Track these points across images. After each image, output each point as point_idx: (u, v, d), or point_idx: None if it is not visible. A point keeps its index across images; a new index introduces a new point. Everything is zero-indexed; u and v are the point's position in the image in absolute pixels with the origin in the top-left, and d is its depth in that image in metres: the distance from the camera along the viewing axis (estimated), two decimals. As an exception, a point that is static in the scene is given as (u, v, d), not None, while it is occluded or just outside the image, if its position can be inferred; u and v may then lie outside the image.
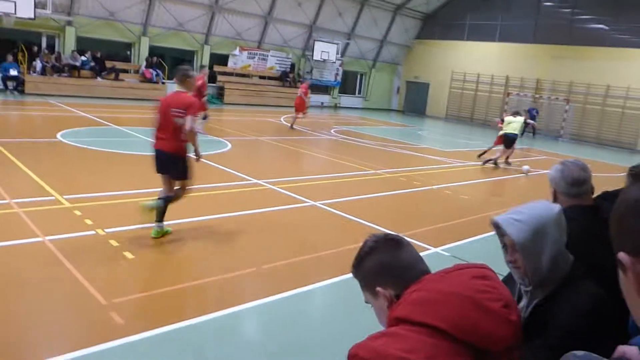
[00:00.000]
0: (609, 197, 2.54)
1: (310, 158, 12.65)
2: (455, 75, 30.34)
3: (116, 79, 21.01)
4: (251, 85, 25.70)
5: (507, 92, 28.04)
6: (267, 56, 26.38)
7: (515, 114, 13.93)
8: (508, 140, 13.19)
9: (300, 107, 17.32)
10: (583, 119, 25.60)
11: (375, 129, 20.29)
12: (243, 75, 25.92)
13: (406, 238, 1.51)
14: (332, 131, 17.30)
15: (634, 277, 0.69)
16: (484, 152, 14.36)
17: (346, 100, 31.32)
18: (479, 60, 29.17)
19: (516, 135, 13.26)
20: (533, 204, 1.83)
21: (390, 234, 1.52)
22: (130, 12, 21.22)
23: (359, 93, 32.77)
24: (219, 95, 24.55)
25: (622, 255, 0.70)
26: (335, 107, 30.21)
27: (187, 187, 5.70)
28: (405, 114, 31.74)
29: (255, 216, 6.85)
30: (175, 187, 5.68)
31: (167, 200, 5.53)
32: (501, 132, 13.44)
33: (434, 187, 9.95)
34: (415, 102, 32.19)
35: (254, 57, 25.91)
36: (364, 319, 1.69)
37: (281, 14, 25.63)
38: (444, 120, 30.26)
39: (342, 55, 29.47)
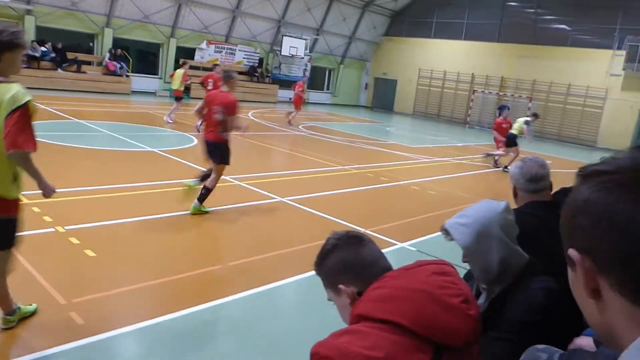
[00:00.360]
0: (568, 193, 2.62)
1: (278, 154, 12.60)
2: (422, 73, 30.71)
3: (78, 71, 20.43)
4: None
5: (473, 89, 28.58)
6: (235, 50, 26.11)
7: (534, 115, 14.42)
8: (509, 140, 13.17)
9: (298, 103, 18.15)
10: (545, 117, 26.28)
11: (344, 125, 20.38)
12: (210, 70, 25.53)
13: (368, 235, 1.51)
14: (300, 127, 17.27)
15: (582, 273, 0.70)
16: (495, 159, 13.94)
17: (315, 96, 31.31)
18: (445, 58, 29.60)
19: (514, 134, 13.13)
20: (477, 206, 1.86)
21: (352, 231, 1.52)
22: (93, 3, 20.64)
23: (328, 89, 32.82)
24: (186, 90, 24.08)
25: (572, 252, 0.71)
26: (304, 102, 30.12)
27: (222, 171, 6.62)
28: (373, 110, 31.95)
29: (222, 212, 6.77)
30: (212, 170, 6.58)
31: (203, 179, 6.54)
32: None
33: (400, 182, 10.05)
34: (383, 98, 32.44)
35: (222, 51, 25.61)
36: (331, 315, 1.68)
37: (250, 8, 25.40)
38: (412, 116, 30.60)
39: (311, 50, 29.44)
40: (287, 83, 28.44)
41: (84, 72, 20.60)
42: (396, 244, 6.18)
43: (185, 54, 24.56)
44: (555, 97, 26.10)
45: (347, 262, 1.44)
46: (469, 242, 1.76)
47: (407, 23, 31.87)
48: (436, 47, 30.10)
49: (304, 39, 28.14)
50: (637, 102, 23.64)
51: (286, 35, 27.33)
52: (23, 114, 3.01)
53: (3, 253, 3.25)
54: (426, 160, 13.70)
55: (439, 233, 6.65)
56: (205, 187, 6.41)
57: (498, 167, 13.45)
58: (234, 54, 26.11)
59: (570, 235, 0.73)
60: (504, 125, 13.66)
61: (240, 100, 25.62)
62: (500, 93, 27.78)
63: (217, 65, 16.51)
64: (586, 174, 0.72)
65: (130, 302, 4.19)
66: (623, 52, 23.45)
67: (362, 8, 30.53)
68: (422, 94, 30.83)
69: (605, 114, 24.26)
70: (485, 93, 28.10)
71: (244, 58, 26.64)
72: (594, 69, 24.61)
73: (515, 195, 2.63)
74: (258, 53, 27.34)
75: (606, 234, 0.67)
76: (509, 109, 14.43)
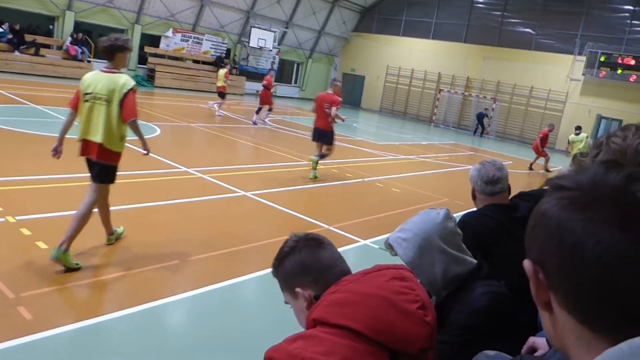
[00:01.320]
0: (525, 197, 2.68)
1: (243, 147, 12.46)
2: (390, 70, 30.93)
3: (36, 54, 19.66)
4: (184, 69, 24.92)
5: (439, 88, 28.98)
6: (202, 40, 25.65)
7: (578, 129, 14.52)
8: None
9: (266, 100, 16.35)
10: (508, 118, 26.95)
11: (311, 120, 20.19)
12: (176, 59, 25.07)
13: (329, 236, 1.47)
14: (266, 120, 17.11)
15: (535, 285, 0.70)
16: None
17: (282, 89, 31.11)
18: (413, 56, 29.89)
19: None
20: (417, 219, 1.86)
21: (311, 233, 1.48)
22: (54, -16, 19.90)
23: (296, 83, 32.67)
24: (149, 78, 23.62)
25: (526, 263, 0.71)
26: (272, 95, 29.92)
27: (331, 148, 9.57)
28: (340, 106, 31.93)
29: (183, 206, 6.63)
30: (324, 150, 9.45)
31: (322, 157, 9.39)
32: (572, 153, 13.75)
33: (365, 179, 10.09)
34: (351, 94, 32.52)
35: (188, 40, 25.12)
36: (289, 316, 1.64)
37: (218, -3, 24.98)
38: (379, 113, 30.81)
39: (280, 43, 29.22)
40: (254, 75, 28.19)
41: (42, 56, 19.85)
42: (359, 241, 6.19)
43: (150, 41, 24.01)
44: (518, 99, 26.74)
45: (304, 265, 1.40)
46: (412, 257, 1.77)
47: (376, 20, 32.01)
48: (404, 45, 30.36)
49: (272, 32, 27.90)
50: (594, 107, 24.46)
51: (255, 27, 27.03)
52: (132, 95, 4.49)
53: (107, 187, 4.68)
54: (391, 157, 13.81)
55: None
56: (321, 156, 9.38)
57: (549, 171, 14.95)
58: (201, 44, 25.66)
59: (529, 246, 0.72)
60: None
61: (206, 91, 25.09)
62: (466, 93, 28.27)
63: (271, 69, 17.95)
64: (551, 186, 0.70)
65: (82, 296, 4.05)
66: (583, 58, 24.20)
67: (332, 2, 30.48)
68: (389, 92, 31.07)
69: (564, 118, 24.99)
70: (451, 92, 28.54)
71: (211, 48, 26.20)
72: (556, 73, 25.32)
73: (474, 197, 2.66)
74: (226, 43, 26.95)
75: (556, 251, 0.65)
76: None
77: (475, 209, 2.67)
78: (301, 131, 15.92)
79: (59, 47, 20.86)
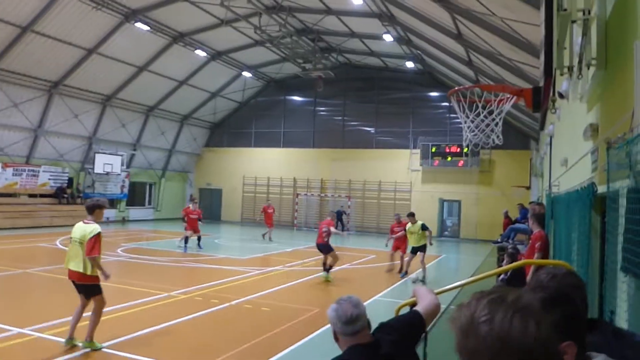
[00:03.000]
0: (386, 329, 2.51)
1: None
2: (246, 180, 31.31)
3: None
4: (18, 206, 22.50)
5: (297, 193, 29.84)
6: (39, 172, 23.65)
7: (411, 215, 13.38)
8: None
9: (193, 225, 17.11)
10: (364, 212, 28.40)
11: (169, 243, 19.19)
12: (8, 195, 22.61)
13: None
14: (119, 250, 15.76)
15: None
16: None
17: (135, 212, 29.59)
18: (268, 165, 30.75)
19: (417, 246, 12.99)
20: None
21: None
22: None
23: (150, 204, 31.33)
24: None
25: None
26: (124, 221, 28.22)
27: (335, 254, 12.38)
28: (200, 221, 31.06)
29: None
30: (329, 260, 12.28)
31: (328, 269, 12.25)
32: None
33: (232, 302, 9.44)
34: (209, 208, 31.94)
35: (22, 174, 22.97)
36: None
37: (54, 126, 23.59)
38: (240, 224, 30.49)
39: (128, 166, 28.15)
40: (103, 202, 26.40)
41: None
42: (231, 384, 5.50)
43: (-25, 180, 21.47)
44: (370, 193, 28.49)
45: None
46: None
47: (227, 134, 32.72)
48: (258, 155, 31.21)
49: (119, 155, 26.87)
50: (436, 192, 26.94)
51: (99, 152, 25.80)
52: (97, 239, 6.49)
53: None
54: (258, 272, 13.34)
55: (278, 356, 5.96)
56: (328, 265, 12.29)
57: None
58: (37, 176, 23.60)
59: None
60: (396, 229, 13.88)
61: (47, 227, 22.84)
62: (322, 194, 29.43)
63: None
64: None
65: None
66: (418, 151, 26.95)
67: (181, 122, 30.61)
68: (248, 201, 31.17)
69: (412, 205, 26.99)
70: (308, 195, 29.51)
71: (49, 179, 24.21)
72: (398, 166, 27.75)
73: (337, 339, 2.44)
74: (67, 173, 25.16)
75: None
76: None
77: (339, 353, 2.43)
78: (159, 258, 14.84)
79: None
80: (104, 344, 6.61)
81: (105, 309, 6.79)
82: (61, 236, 18.16)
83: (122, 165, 27.02)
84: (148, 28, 21.06)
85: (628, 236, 2.33)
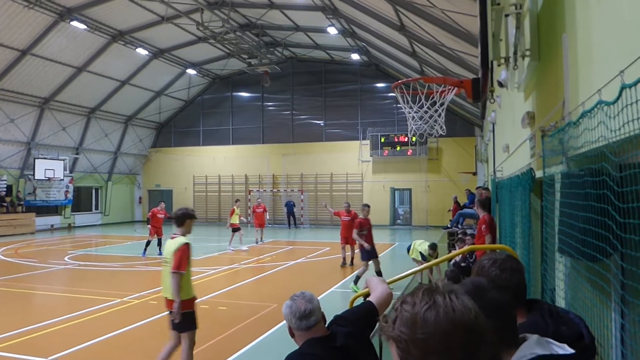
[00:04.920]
0: (340, 321, 2.57)
1: (40, 299, 10.66)
2: (197, 179, 30.82)
3: None
4: (-46, 218, 21.27)
5: (249, 189, 29.62)
6: (-26, 181, 22.42)
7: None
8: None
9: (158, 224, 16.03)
10: (317, 205, 28.53)
11: (119, 247, 18.68)
12: None
13: None
14: (66, 259, 15.18)
15: None
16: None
17: (82, 218, 28.57)
18: (218, 163, 30.35)
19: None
20: None
21: None
22: None
23: (97, 209, 30.31)
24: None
25: None
26: (70, 227, 27.20)
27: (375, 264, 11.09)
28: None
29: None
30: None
31: (358, 278, 10.53)
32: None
33: (189, 305, 9.30)
34: (160, 210, 31.26)
35: (-45, 184, 21.72)
36: None
37: (-12, 132, 22.39)
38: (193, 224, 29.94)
39: (72, 171, 27.11)
40: (47, 209, 25.43)
41: None
42: (192, 387, 5.45)
43: None
44: (322, 186, 28.64)
45: None
46: None
47: (174, 133, 32.04)
48: (207, 153, 30.75)
49: (61, 160, 25.82)
50: (387, 182, 27.39)
51: (39, 158, 24.70)
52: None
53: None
54: (213, 271, 13.20)
55: (237, 354, 6.00)
56: (358, 276, 10.65)
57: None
58: (-27, 186, 22.39)
59: None
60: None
61: (-16, 239, 21.55)
62: (274, 190, 29.34)
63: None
64: None
65: None
66: (368, 142, 27.29)
67: (125, 123, 29.71)
68: (200, 201, 30.69)
69: (365, 195, 27.35)
70: (260, 191, 29.34)
71: (-14, 188, 23.00)
72: (349, 158, 28.02)
73: (292, 335, 2.52)
74: (5, 180, 23.95)
75: None
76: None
77: (297, 348, 2.49)
78: (109, 263, 14.41)
79: None
80: (55, 356, 6.39)
81: (54, 319, 6.53)
82: (3, 246, 17.32)
83: (64, 170, 25.99)
84: (85, 27, 20.26)
85: (562, 219, 2.47)
